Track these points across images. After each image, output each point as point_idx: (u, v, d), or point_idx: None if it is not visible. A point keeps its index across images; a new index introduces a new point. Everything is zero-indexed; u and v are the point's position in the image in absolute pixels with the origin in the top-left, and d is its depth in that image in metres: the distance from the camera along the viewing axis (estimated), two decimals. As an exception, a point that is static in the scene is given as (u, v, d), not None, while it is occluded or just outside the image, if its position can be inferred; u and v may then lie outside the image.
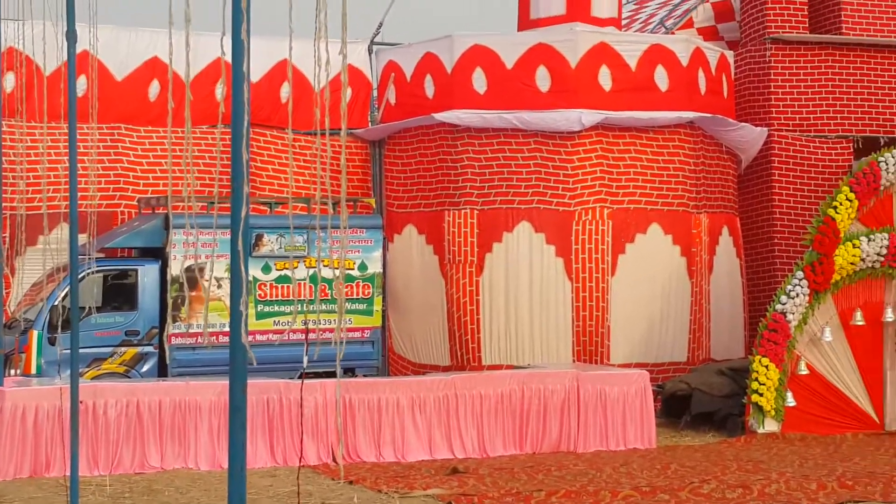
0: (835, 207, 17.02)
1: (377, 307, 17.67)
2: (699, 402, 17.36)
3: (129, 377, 16.04)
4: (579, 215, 18.56)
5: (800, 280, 16.79)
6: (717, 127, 19.59)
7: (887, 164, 17.36)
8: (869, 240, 17.21)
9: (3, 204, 13.47)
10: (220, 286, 15.71)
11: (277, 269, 16.93)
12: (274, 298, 16.90)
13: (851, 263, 17.09)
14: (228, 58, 5.31)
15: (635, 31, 23.14)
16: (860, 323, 17.26)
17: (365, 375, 17.05)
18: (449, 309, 18.59)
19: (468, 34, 19.18)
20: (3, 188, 13.49)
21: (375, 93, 20.48)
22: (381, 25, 20.73)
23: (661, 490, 12.10)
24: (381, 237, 17.98)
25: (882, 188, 17.46)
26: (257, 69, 18.86)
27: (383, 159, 20.13)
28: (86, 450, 13.13)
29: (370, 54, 20.61)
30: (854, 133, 20.76)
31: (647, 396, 15.75)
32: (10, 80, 17.16)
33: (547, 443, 15.23)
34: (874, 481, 12.70)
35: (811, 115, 20.68)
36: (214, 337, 15.72)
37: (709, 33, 22.30)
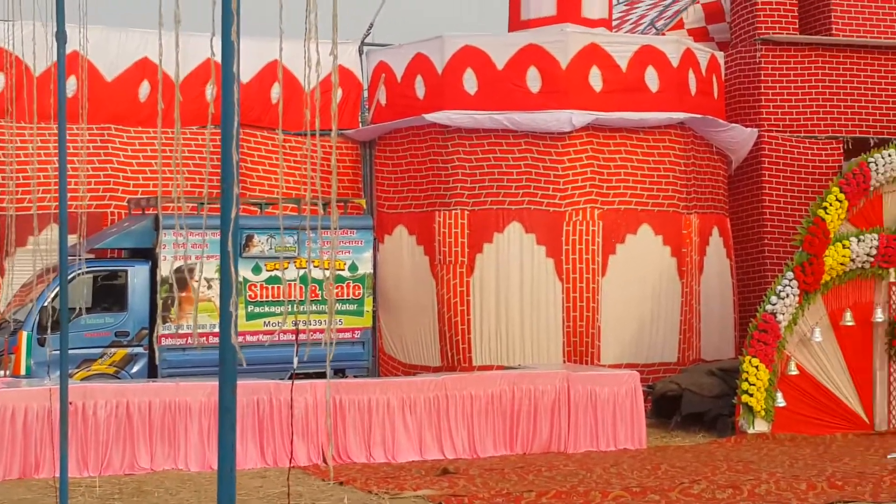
0: (825, 208, 17.06)
1: (367, 308, 17.66)
2: (689, 402, 17.38)
3: (118, 378, 16.01)
4: (570, 216, 18.58)
5: (790, 280, 16.82)
6: (708, 128, 19.62)
7: (877, 165, 17.40)
8: (859, 240, 17.25)
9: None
10: (210, 287, 15.69)
11: (268, 270, 16.91)
12: (264, 299, 16.89)
13: (841, 264, 17.13)
14: (218, 58, 5.30)
15: (626, 31, 23.16)
16: (850, 323, 17.30)
17: (355, 376, 17.04)
18: (439, 309, 18.59)
19: (459, 35, 19.19)
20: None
21: (366, 93, 20.47)
22: (371, 26, 20.73)
23: (651, 490, 12.11)
24: (371, 238, 17.98)
25: (872, 189, 17.50)
26: (248, 70, 18.83)
27: (374, 160, 20.12)
28: (75, 451, 13.11)
29: (361, 55, 20.60)
30: (844, 134, 20.81)
31: (638, 397, 15.76)
32: (-1, 81, 17.12)
33: (537, 443, 15.23)
34: (864, 481, 12.72)
35: (801, 116, 20.72)
36: (204, 338, 15.69)
37: (699, 34, 22.33)
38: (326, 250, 15.15)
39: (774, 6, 20.75)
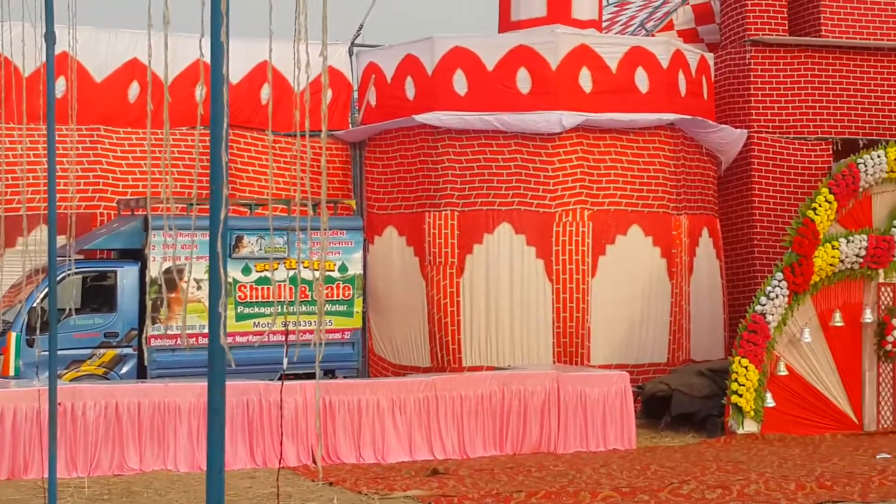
0: (814, 209, 17.10)
1: (357, 308, 17.66)
2: (679, 402, 17.40)
3: (107, 379, 15.98)
4: (560, 217, 18.59)
5: (779, 281, 16.85)
6: (697, 129, 19.65)
7: (866, 166, 17.44)
8: (848, 241, 17.29)
9: (-18, 205, 13.41)
10: (199, 288, 15.69)
11: (257, 271, 16.90)
12: (254, 300, 16.88)
13: (830, 265, 17.17)
14: (207, 60, 5.30)
15: (616, 33, 23.18)
16: (839, 324, 17.34)
17: (345, 377, 17.04)
18: (429, 310, 18.59)
19: (449, 36, 19.19)
20: (-18, 189, 13.42)
21: (356, 94, 20.46)
22: (361, 27, 20.72)
23: (640, 491, 12.13)
24: (361, 239, 17.97)
25: (861, 190, 17.55)
26: (237, 71, 18.82)
27: (364, 161, 20.12)
28: (64, 451, 13.09)
29: (350, 56, 20.59)
30: (833, 135, 20.85)
31: (627, 397, 15.78)
32: (-12, 82, 17.07)
33: (527, 444, 15.24)
34: (852, 482, 12.76)
35: (791, 118, 20.76)
36: (194, 339, 15.68)
37: (689, 35, 22.36)
38: (316, 251, 15.13)
39: (764, 8, 20.79)
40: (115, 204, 18.27)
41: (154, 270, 15.99)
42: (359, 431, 14.51)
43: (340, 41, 20.36)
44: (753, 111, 20.63)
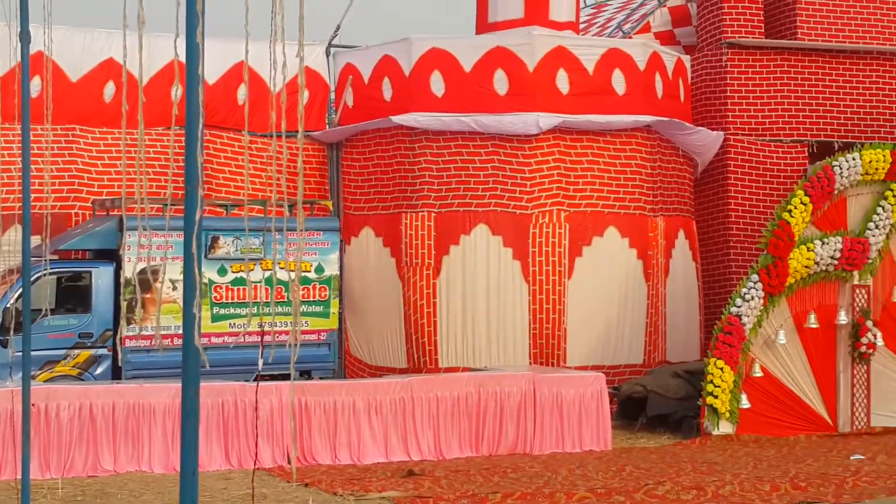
0: (789, 211, 17.16)
1: (334, 309, 17.63)
2: (655, 404, 17.44)
3: (82, 380, 15.91)
4: (536, 218, 18.61)
5: (755, 283, 16.91)
6: (674, 131, 19.70)
7: (841, 169, 17.52)
8: (823, 243, 17.37)
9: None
10: (175, 288, 15.63)
11: (233, 272, 16.86)
12: (230, 301, 16.83)
13: (806, 267, 17.24)
14: (183, 59, 5.28)
15: (593, 35, 23.23)
16: (814, 325, 17.41)
17: (321, 378, 17.00)
18: (406, 311, 18.58)
19: (426, 37, 19.19)
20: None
21: (333, 95, 20.44)
22: (338, 28, 20.71)
23: (616, 492, 12.15)
24: (338, 239, 17.95)
25: (836, 192, 17.62)
26: (214, 71, 18.77)
27: (340, 162, 20.10)
28: (38, 453, 13.03)
29: (328, 56, 20.57)
30: (809, 138, 20.95)
31: (603, 398, 15.81)
32: (-37, 81, 16.98)
33: (503, 445, 15.25)
34: (827, 482, 12.81)
35: (767, 120, 20.84)
36: (168, 340, 15.63)
37: (666, 38, 22.42)
38: (292, 252, 15.11)
39: (740, 10, 20.86)
40: (90, 204, 18.20)
41: (129, 271, 15.92)
42: (334, 432, 14.48)
43: (317, 42, 20.34)
44: (730, 113, 20.70)
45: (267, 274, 16.04)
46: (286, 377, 15.44)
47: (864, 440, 16.81)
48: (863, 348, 17.57)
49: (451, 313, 18.43)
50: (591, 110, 18.81)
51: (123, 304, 15.56)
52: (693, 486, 12.46)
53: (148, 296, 15.76)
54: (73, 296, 16.42)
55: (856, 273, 17.68)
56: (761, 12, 21.01)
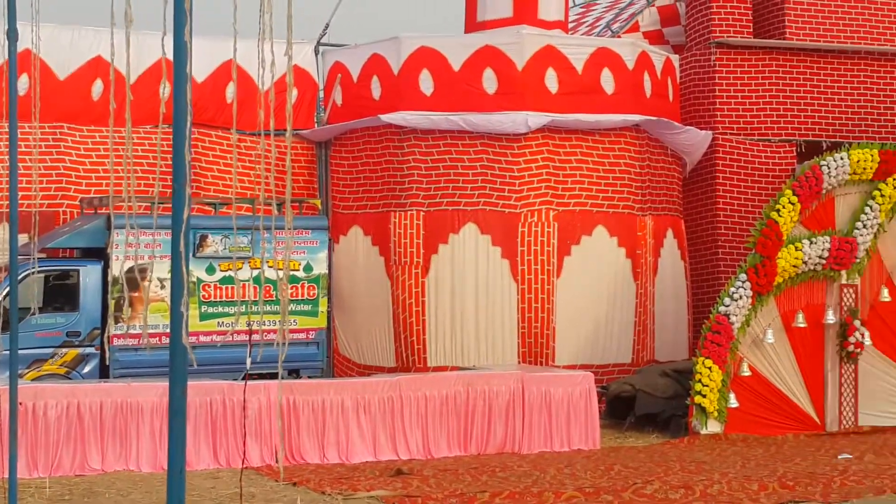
0: (778, 210, 17.19)
1: (322, 308, 17.62)
2: (643, 403, 17.46)
3: (69, 378, 15.88)
4: (525, 217, 18.61)
5: (743, 282, 16.94)
6: (663, 130, 19.72)
7: (829, 168, 17.55)
8: (811, 242, 17.40)
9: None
10: (163, 287, 15.61)
11: (222, 270, 16.83)
12: (218, 299, 16.80)
13: (794, 266, 17.27)
14: (171, 58, 5.26)
15: (582, 34, 23.24)
16: (802, 325, 17.44)
17: (309, 377, 16.99)
18: (394, 310, 18.57)
19: (415, 35, 19.17)
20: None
21: (322, 94, 20.42)
22: (327, 26, 20.68)
23: (604, 491, 12.15)
24: (326, 238, 17.93)
25: (824, 192, 17.66)
26: (202, 69, 18.74)
27: (329, 160, 20.08)
28: (25, 452, 12.99)
29: (316, 55, 20.55)
30: (797, 137, 20.99)
31: (592, 398, 15.81)
32: (-50, 79, 16.92)
33: (491, 444, 15.25)
34: (814, 482, 12.83)
35: (755, 119, 20.87)
36: (157, 338, 15.61)
37: (654, 37, 22.44)
38: (281, 250, 15.10)
39: (729, 10, 20.89)
40: (77, 202, 18.16)
41: (116, 269, 15.88)
42: (323, 431, 14.47)
43: (306, 40, 20.32)
44: (718, 113, 20.73)
45: (255, 272, 16.02)
46: (274, 376, 15.42)
47: (852, 439, 16.85)
48: (850, 347, 17.60)
49: (440, 312, 18.43)
50: (579, 109, 18.82)
51: (111, 303, 15.58)
52: (681, 486, 12.48)
53: (136, 294, 15.71)
54: (60, 294, 16.38)
55: (844, 272, 17.72)
56: (750, 12, 21.05)
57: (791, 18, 21.22)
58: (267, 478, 13.23)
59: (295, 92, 19.98)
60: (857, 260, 17.70)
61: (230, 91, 19.26)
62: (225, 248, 16.76)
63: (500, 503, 11.71)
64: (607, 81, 19.14)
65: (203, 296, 16.67)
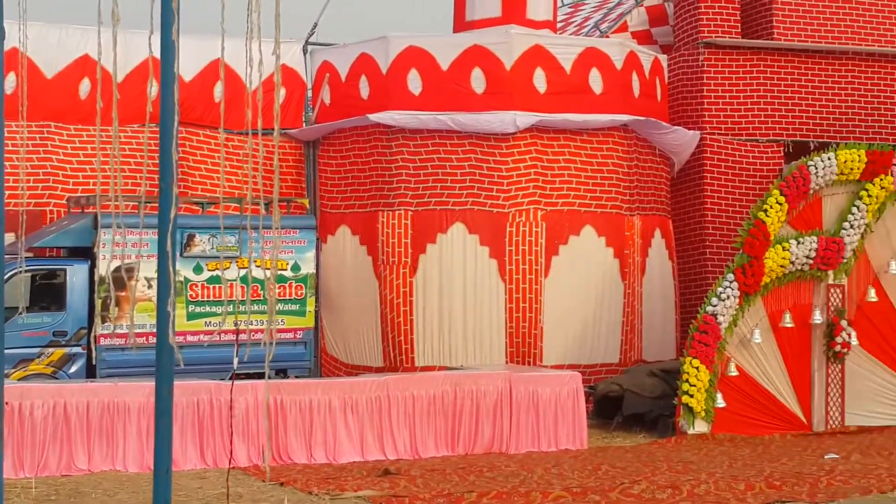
0: (765, 210, 17.22)
1: (310, 308, 17.60)
2: (631, 403, 17.47)
3: (56, 378, 15.83)
4: (513, 217, 18.61)
5: (730, 282, 16.96)
6: (651, 130, 19.74)
7: (816, 168, 17.58)
8: (798, 243, 17.43)
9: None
10: (150, 286, 15.57)
11: (209, 270, 16.80)
12: (205, 299, 16.77)
13: (781, 266, 17.30)
14: (158, 56, 5.25)
15: (570, 34, 23.25)
16: (789, 325, 17.47)
17: (297, 376, 16.98)
18: (382, 310, 18.56)
19: (403, 35, 19.16)
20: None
21: (310, 93, 20.40)
22: (315, 25, 20.66)
23: (591, 491, 12.16)
24: (314, 238, 17.91)
25: (811, 192, 17.69)
26: (190, 68, 18.71)
27: (317, 160, 20.05)
28: (11, 452, 12.96)
29: (305, 54, 20.52)
30: (785, 137, 21.03)
31: (579, 398, 15.82)
32: (-63, 77, 16.85)
33: (479, 444, 15.24)
34: (801, 482, 12.85)
35: (743, 120, 20.91)
36: (143, 338, 15.57)
37: (643, 37, 22.47)
38: (268, 250, 15.07)
39: (717, 10, 20.93)
40: (65, 201, 18.10)
41: (103, 269, 15.84)
42: (310, 431, 14.45)
43: (294, 39, 20.29)
44: (706, 113, 20.76)
45: (243, 272, 15.99)
46: (262, 376, 15.38)
47: (839, 439, 16.87)
48: (837, 347, 17.64)
49: (428, 312, 18.42)
50: (568, 109, 18.83)
51: (98, 302, 15.54)
52: (668, 485, 12.49)
53: (122, 294, 15.67)
54: (47, 294, 16.33)
55: (831, 272, 17.75)
56: (738, 12, 21.08)
57: (779, 19, 21.26)
58: (254, 478, 13.21)
59: (283, 91, 19.95)
60: (845, 260, 17.74)
61: (218, 90, 19.22)
62: (212, 248, 16.73)
63: (487, 503, 11.71)
64: (595, 81, 19.15)
65: (190, 295, 16.64)
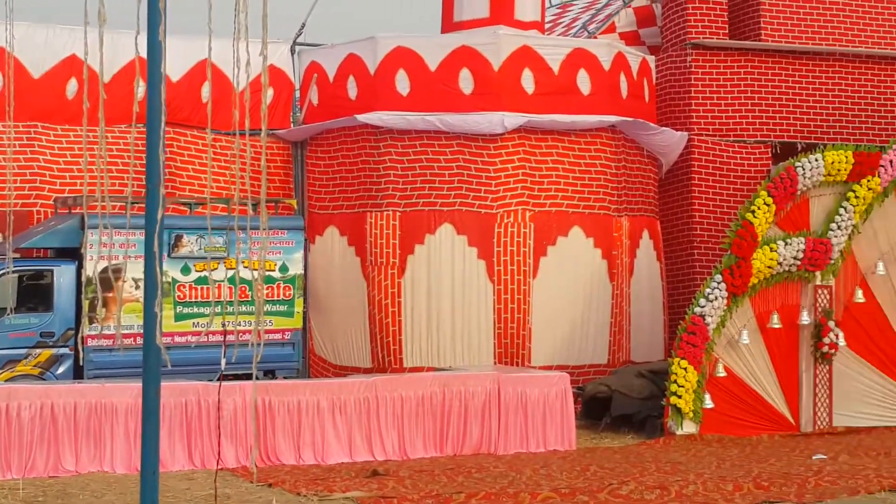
0: (753, 212, 17.25)
1: (298, 309, 17.57)
2: (619, 404, 17.48)
3: (43, 379, 15.79)
4: (501, 217, 18.61)
5: (718, 283, 16.98)
6: (639, 131, 19.75)
7: (804, 170, 17.62)
8: (786, 244, 17.46)
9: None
10: (137, 287, 15.53)
11: (197, 271, 16.77)
12: (193, 300, 16.74)
13: (769, 267, 17.33)
14: (145, 56, 5.24)
15: (558, 34, 23.26)
16: (777, 326, 17.50)
17: (285, 377, 16.95)
18: (370, 311, 18.54)
19: (391, 35, 19.15)
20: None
21: (298, 93, 20.37)
22: (303, 26, 20.64)
23: (580, 491, 12.16)
24: (302, 238, 17.89)
25: (799, 193, 17.72)
26: (178, 68, 18.68)
27: (305, 160, 20.03)
28: (-1, 453, 12.91)
29: (292, 55, 20.50)
30: (772, 138, 21.07)
31: (568, 398, 15.82)
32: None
33: (467, 445, 15.24)
34: (789, 482, 12.87)
35: (730, 121, 20.94)
36: (131, 339, 15.54)
37: (631, 38, 22.49)
38: (256, 251, 15.05)
39: (705, 11, 20.96)
40: (52, 202, 18.06)
41: (90, 269, 15.80)
42: (298, 432, 14.43)
43: (282, 40, 20.26)
44: (694, 114, 20.79)
45: (231, 273, 15.96)
46: (250, 377, 15.35)
47: (826, 440, 16.91)
48: (825, 348, 17.67)
49: (416, 313, 18.41)
50: (555, 110, 18.84)
51: (85, 303, 15.50)
52: (657, 486, 12.49)
53: (110, 294, 15.63)
54: (34, 294, 16.28)
55: (818, 273, 17.78)
56: (725, 13, 21.11)
57: (766, 20, 21.29)
58: (242, 479, 13.19)
59: (270, 92, 19.93)
60: (832, 261, 17.77)
61: (205, 91, 19.19)
62: (200, 249, 16.70)
63: (475, 504, 11.71)
64: (583, 82, 19.16)
65: (178, 296, 16.60)
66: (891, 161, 18.08)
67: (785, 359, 17.59)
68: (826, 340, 17.63)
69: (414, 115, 18.51)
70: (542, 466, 14.01)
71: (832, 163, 17.74)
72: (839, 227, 17.78)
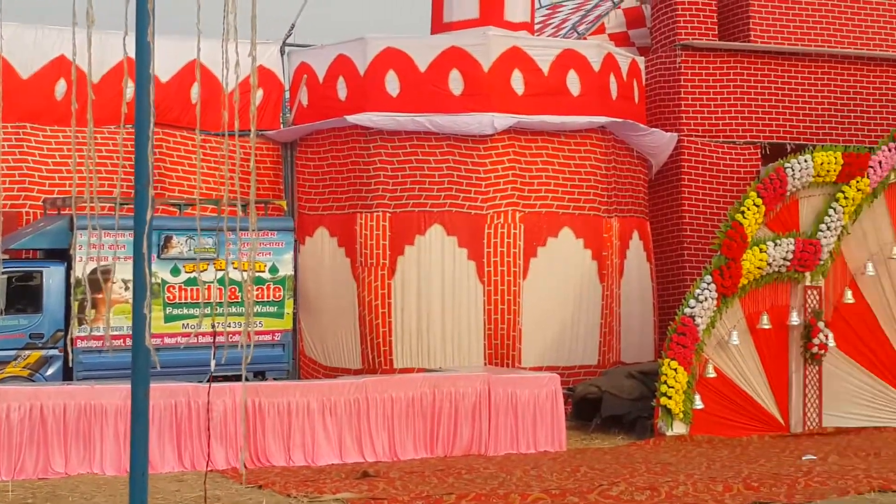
0: (742, 212, 17.27)
1: (288, 310, 17.55)
2: (609, 405, 17.48)
3: (32, 381, 15.74)
4: (491, 218, 18.61)
5: (708, 284, 16.99)
6: (628, 132, 19.76)
7: (793, 171, 17.64)
8: (775, 244, 17.48)
9: None
10: (127, 288, 15.49)
11: (187, 272, 16.74)
12: (183, 301, 16.71)
13: (758, 268, 17.35)
14: (134, 57, 5.22)
15: (548, 35, 23.27)
16: (766, 326, 17.52)
17: (275, 378, 16.92)
18: (360, 312, 18.52)
19: (381, 36, 19.14)
20: None
21: (287, 94, 20.35)
22: (293, 27, 20.62)
23: (570, 492, 12.16)
24: (292, 239, 17.87)
25: (788, 194, 17.74)
26: (167, 69, 18.65)
27: (295, 161, 20.01)
28: (-13, 455, 12.87)
29: (282, 55, 20.48)
30: (762, 139, 21.09)
31: (558, 399, 15.82)
32: (-88, 78, 16.74)
33: (458, 446, 15.23)
34: (779, 483, 12.89)
35: (720, 122, 20.96)
36: (121, 340, 15.50)
37: (620, 39, 22.51)
38: (246, 252, 15.02)
39: (694, 13, 20.98)
40: (41, 203, 18.01)
41: (79, 271, 15.76)
42: (288, 434, 14.41)
43: (272, 41, 20.24)
44: (683, 115, 20.81)
45: (220, 274, 15.94)
46: (239, 378, 15.33)
47: (816, 440, 16.93)
48: (815, 349, 17.69)
49: (406, 314, 18.40)
50: (545, 111, 18.84)
51: (74, 305, 15.46)
52: (647, 487, 12.50)
53: (99, 296, 15.59)
54: (23, 296, 16.23)
55: (808, 274, 17.81)
56: (715, 14, 21.14)
57: (756, 21, 21.32)
58: (232, 480, 13.17)
59: (260, 92, 19.93)
60: (821, 262, 17.80)
61: (195, 91, 19.16)
62: (190, 250, 16.67)
63: (465, 505, 11.70)
64: (573, 83, 19.16)
65: (168, 297, 16.57)
66: (880, 162, 18.12)
67: (775, 359, 17.61)
68: (815, 341, 17.66)
69: (404, 116, 18.50)
70: (532, 467, 14.01)
71: (821, 164, 17.78)
72: (829, 228, 17.82)
